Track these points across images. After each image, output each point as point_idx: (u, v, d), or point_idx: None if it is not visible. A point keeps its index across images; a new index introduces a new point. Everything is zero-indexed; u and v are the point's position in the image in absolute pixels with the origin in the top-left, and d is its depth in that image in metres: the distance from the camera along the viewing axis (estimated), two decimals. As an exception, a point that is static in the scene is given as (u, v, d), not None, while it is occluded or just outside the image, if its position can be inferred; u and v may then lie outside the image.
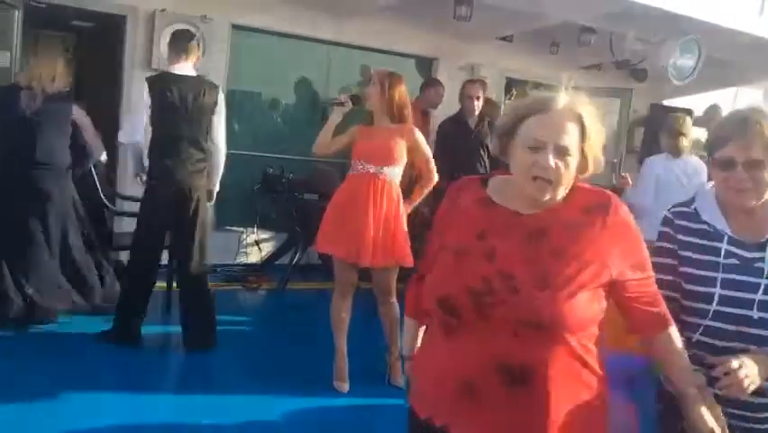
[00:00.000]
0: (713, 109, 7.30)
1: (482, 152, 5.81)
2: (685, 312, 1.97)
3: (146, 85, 4.28)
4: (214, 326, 4.44)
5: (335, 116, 4.11)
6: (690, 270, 1.95)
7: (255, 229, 6.36)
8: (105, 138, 6.18)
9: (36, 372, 3.83)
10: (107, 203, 5.22)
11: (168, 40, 4.61)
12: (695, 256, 1.95)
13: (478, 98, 5.82)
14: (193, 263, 4.36)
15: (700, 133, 7.42)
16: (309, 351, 4.58)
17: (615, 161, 7.60)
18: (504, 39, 7.31)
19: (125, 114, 5.94)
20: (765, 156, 1.82)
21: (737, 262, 1.91)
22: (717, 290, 1.90)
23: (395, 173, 4.01)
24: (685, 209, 2.02)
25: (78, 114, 4.54)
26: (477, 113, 5.85)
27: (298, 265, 6.11)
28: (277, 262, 6.31)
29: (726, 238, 1.93)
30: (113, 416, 3.50)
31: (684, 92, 7.71)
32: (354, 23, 6.57)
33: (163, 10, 5.81)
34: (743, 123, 1.84)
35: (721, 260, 1.91)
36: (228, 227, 6.41)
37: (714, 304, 1.90)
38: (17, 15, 5.38)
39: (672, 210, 2.04)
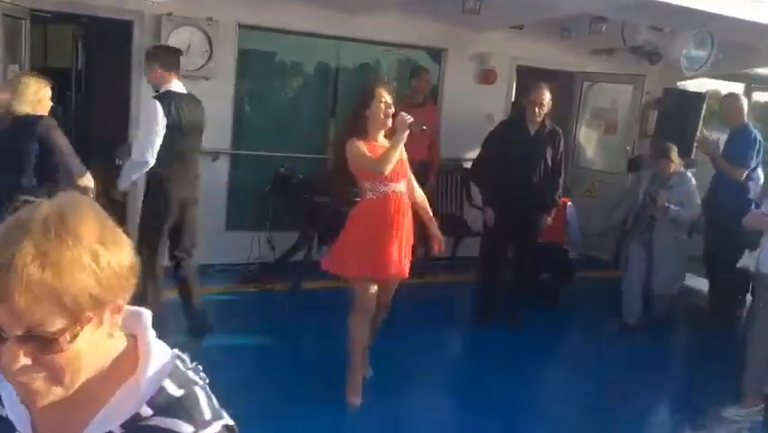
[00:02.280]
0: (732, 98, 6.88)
1: (541, 163, 5.48)
2: None
3: (159, 105, 4.42)
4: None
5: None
6: None
7: (268, 229, 6.41)
8: (112, 146, 6.22)
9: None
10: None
11: (153, 55, 4.66)
12: None
13: (542, 105, 5.38)
14: (194, 261, 4.80)
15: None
16: (325, 354, 4.73)
17: (627, 148, 7.56)
18: (514, 26, 7.21)
19: (135, 120, 5.97)
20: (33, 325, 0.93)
21: None
22: None
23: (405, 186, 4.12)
24: None
25: (48, 134, 4.11)
26: (539, 120, 5.47)
27: (310, 263, 6.19)
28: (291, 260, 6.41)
29: None
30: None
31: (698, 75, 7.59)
32: (362, 17, 6.50)
33: (169, 14, 5.79)
34: None
35: None
36: (241, 227, 6.47)
37: None
38: (25, 27, 5.40)
39: None
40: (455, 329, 5.94)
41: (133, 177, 4.62)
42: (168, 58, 4.59)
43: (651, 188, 5.88)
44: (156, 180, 4.56)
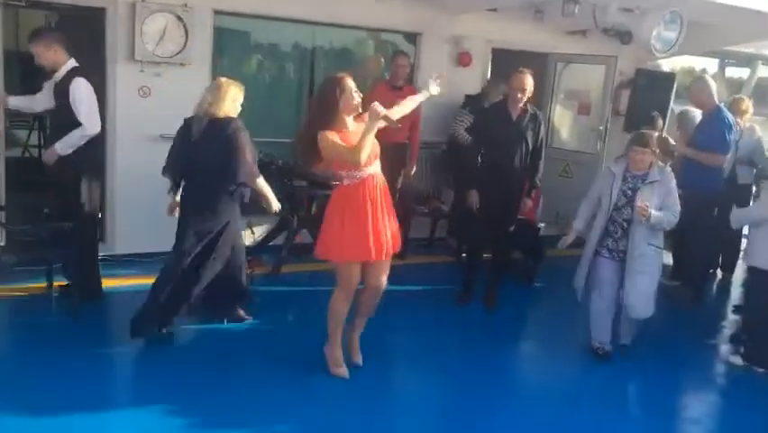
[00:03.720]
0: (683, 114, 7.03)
1: (522, 147, 5.56)
2: None
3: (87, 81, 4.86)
4: None
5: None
6: None
7: (248, 214, 6.42)
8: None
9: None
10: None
11: (54, 36, 4.97)
12: None
13: (524, 91, 5.45)
14: None
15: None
16: (309, 335, 4.77)
17: (600, 128, 7.68)
18: (488, 9, 7.27)
19: (112, 108, 5.95)
20: None
21: None
22: None
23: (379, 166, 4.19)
24: None
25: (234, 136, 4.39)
26: (521, 105, 5.54)
27: (291, 247, 6.26)
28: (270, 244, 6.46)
29: None
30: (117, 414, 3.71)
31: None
32: (337, 1, 6.53)
33: (144, 0, 5.76)
34: None
35: None
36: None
37: None
38: (-3, 16, 5.35)
39: None
40: (436, 309, 6.02)
41: (75, 147, 4.88)
42: (65, 39, 4.89)
43: (626, 186, 4.91)
44: (93, 158, 5.05)
